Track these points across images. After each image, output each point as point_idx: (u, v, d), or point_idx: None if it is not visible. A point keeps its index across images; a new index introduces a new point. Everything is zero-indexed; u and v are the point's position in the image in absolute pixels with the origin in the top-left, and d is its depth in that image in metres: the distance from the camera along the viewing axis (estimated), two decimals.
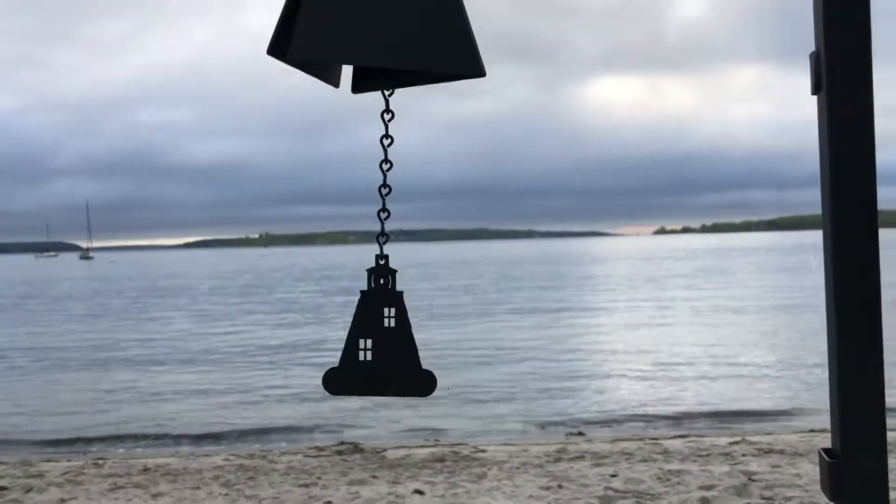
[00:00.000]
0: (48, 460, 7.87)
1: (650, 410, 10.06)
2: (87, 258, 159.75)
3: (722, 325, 19.23)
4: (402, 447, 7.73)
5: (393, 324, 1.41)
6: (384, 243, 1.48)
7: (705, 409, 10.04)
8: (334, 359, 1.41)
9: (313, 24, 1.27)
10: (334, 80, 1.51)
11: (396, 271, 1.45)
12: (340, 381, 1.40)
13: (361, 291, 1.43)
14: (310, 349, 17.26)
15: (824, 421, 8.55)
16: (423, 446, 7.77)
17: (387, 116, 1.49)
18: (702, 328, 18.93)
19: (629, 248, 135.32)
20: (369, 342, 1.40)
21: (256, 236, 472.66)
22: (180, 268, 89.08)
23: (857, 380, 1.31)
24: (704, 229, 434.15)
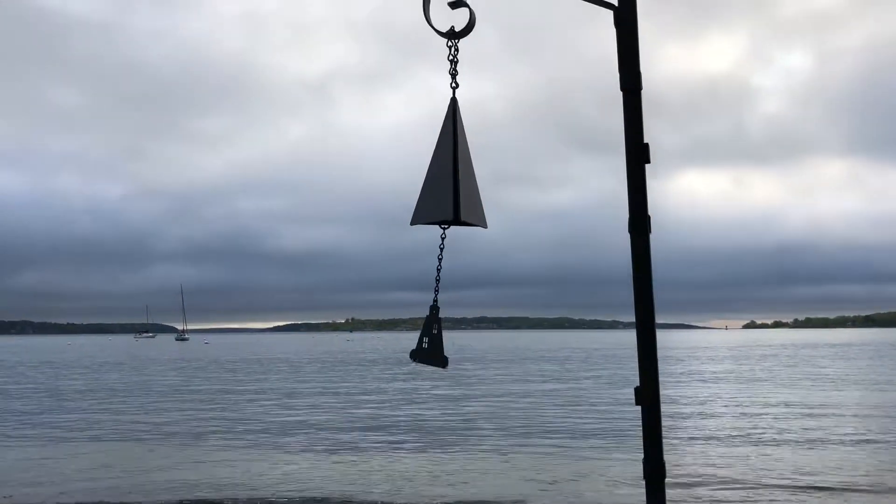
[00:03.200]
0: None
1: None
2: (183, 339, 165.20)
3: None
4: None
5: (436, 331, 2.94)
6: (436, 300, 3.00)
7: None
8: None
9: (431, 198, 2.85)
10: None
11: (439, 308, 2.96)
12: (416, 355, 2.97)
13: (428, 312, 2.96)
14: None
15: None
16: None
17: (442, 243, 3.01)
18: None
19: (731, 340, 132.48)
20: (426, 339, 2.94)
21: (343, 321, 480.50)
22: (274, 349, 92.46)
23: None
24: (797, 324, 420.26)
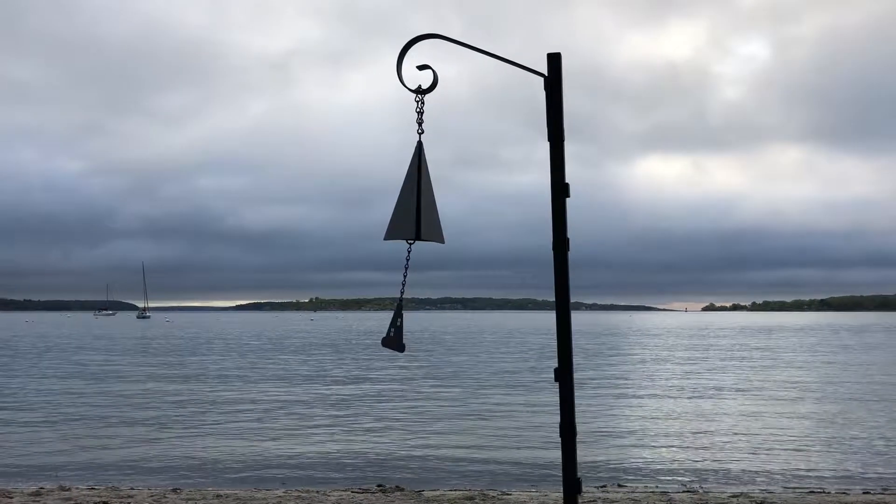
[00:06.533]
0: (132, 488, 9.45)
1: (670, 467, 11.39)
2: (144, 317, 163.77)
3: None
4: (438, 489, 9.15)
5: (399, 323, 3.67)
6: (402, 299, 3.73)
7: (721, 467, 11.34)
8: None
9: (400, 220, 3.57)
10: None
11: (402, 302, 3.69)
12: (384, 342, 3.69)
13: (396, 307, 3.67)
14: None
15: (831, 484, 9.83)
16: (455, 489, 9.22)
17: (407, 257, 3.74)
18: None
19: (689, 322, 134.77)
20: (392, 329, 3.68)
21: (307, 300, 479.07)
22: (238, 328, 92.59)
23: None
24: (755, 307, 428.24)
